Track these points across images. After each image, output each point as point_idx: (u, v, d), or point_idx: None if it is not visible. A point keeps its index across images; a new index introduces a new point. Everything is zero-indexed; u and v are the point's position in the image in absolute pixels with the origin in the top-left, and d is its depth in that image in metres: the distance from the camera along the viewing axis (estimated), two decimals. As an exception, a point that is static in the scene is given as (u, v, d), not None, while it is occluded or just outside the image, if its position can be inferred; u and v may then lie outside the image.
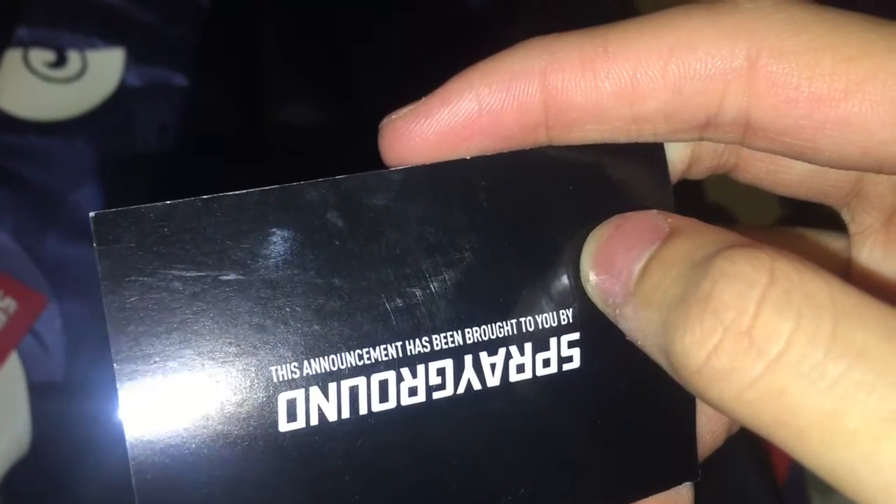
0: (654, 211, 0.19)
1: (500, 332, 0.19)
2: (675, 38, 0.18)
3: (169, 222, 0.17)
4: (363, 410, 0.18)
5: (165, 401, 0.17)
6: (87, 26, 0.46)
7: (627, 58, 0.18)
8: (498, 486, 0.19)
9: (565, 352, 0.19)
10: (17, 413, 0.39)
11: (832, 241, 0.23)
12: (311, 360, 0.17)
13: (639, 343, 0.17)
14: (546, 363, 0.19)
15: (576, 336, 0.19)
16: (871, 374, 0.14)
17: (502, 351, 0.19)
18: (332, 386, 0.18)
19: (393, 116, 0.19)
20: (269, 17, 0.49)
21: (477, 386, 0.18)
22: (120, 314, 0.16)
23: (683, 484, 0.21)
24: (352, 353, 0.18)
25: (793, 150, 0.18)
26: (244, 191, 0.17)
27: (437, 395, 0.18)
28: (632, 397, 0.20)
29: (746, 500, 0.50)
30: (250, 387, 0.17)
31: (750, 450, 0.50)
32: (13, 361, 0.40)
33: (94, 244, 0.16)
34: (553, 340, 0.19)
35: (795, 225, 0.24)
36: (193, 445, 0.17)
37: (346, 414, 0.18)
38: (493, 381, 0.19)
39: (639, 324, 0.17)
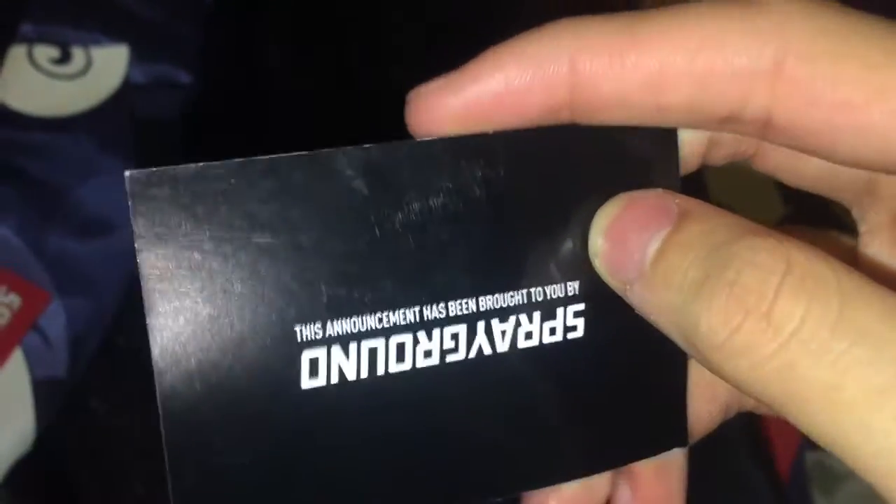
0: (661, 190, 0.20)
1: (512, 301, 0.20)
2: (704, 34, 0.18)
3: (202, 183, 0.17)
4: (380, 371, 0.19)
5: (193, 346, 0.17)
6: (91, 23, 0.47)
7: (655, 50, 0.18)
8: (502, 443, 0.20)
9: (570, 321, 0.20)
10: (20, 409, 0.39)
11: (837, 239, 0.23)
12: (335, 321, 0.18)
13: (652, 318, 0.19)
14: (552, 331, 0.20)
15: (581, 307, 0.20)
16: (869, 351, 0.16)
17: (512, 319, 0.20)
18: (353, 346, 0.18)
19: (422, 89, 0.19)
20: (273, 14, 0.49)
21: (487, 351, 0.19)
22: (154, 270, 0.17)
23: (674, 450, 0.22)
24: (373, 315, 0.18)
25: (811, 148, 0.19)
26: (276, 155, 0.17)
27: (449, 357, 0.19)
28: (627, 366, 0.21)
29: (749, 497, 0.50)
30: (276, 344, 0.18)
31: (753, 447, 0.50)
32: (17, 357, 0.40)
33: (130, 203, 0.17)
34: (560, 310, 0.20)
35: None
36: (219, 395, 0.18)
37: (364, 374, 0.19)
38: (502, 346, 0.20)
39: (654, 300, 0.18)
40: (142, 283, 0.17)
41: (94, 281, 0.42)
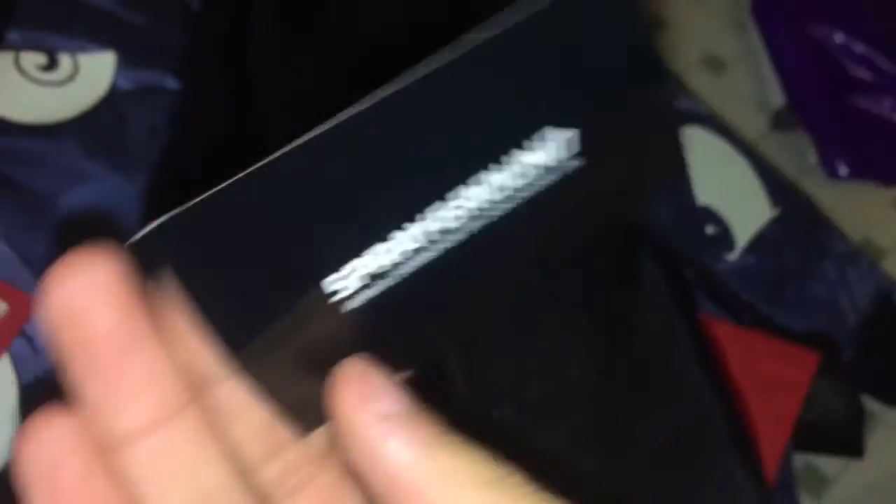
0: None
1: (505, 158, 0.20)
2: None
3: (203, 223, 0.17)
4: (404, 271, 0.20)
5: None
6: (77, 30, 0.47)
7: None
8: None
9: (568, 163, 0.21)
10: (7, 414, 0.40)
11: None
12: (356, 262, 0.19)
13: None
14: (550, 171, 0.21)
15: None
16: None
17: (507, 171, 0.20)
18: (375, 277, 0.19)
19: None
20: (259, 18, 0.49)
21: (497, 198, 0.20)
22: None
23: None
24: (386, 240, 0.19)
25: None
26: (250, 169, 0.18)
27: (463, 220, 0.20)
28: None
29: (735, 499, 0.50)
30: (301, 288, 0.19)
31: (739, 450, 0.50)
32: (4, 364, 0.40)
33: (144, 268, 0.18)
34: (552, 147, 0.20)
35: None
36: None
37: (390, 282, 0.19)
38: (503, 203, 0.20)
39: None
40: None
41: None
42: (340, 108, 0.19)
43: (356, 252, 0.19)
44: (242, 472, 0.19)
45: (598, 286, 0.47)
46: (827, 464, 0.62)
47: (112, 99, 0.46)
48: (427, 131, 0.19)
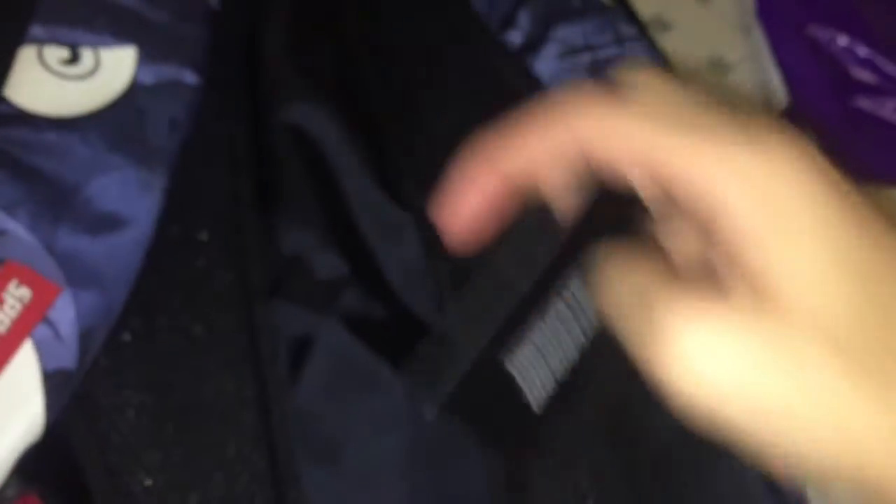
0: None
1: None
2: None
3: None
4: None
5: None
6: (99, 24, 0.48)
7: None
8: None
9: None
10: (31, 399, 0.40)
11: None
12: None
13: None
14: None
15: None
16: None
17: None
18: None
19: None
20: (278, 16, 0.50)
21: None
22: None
23: None
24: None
25: None
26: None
27: None
28: None
29: (743, 492, 0.51)
30: None
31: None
32: (27, 349, 0.41)
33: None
34: None
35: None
36: None
37: None
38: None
39: None
40: None
41: (102, 276, 0.43)
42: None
43: None
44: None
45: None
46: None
47: (133, 93, 0.47)
48: None
